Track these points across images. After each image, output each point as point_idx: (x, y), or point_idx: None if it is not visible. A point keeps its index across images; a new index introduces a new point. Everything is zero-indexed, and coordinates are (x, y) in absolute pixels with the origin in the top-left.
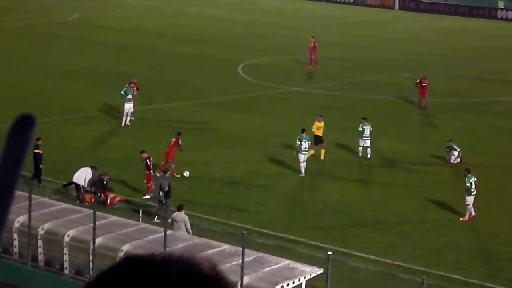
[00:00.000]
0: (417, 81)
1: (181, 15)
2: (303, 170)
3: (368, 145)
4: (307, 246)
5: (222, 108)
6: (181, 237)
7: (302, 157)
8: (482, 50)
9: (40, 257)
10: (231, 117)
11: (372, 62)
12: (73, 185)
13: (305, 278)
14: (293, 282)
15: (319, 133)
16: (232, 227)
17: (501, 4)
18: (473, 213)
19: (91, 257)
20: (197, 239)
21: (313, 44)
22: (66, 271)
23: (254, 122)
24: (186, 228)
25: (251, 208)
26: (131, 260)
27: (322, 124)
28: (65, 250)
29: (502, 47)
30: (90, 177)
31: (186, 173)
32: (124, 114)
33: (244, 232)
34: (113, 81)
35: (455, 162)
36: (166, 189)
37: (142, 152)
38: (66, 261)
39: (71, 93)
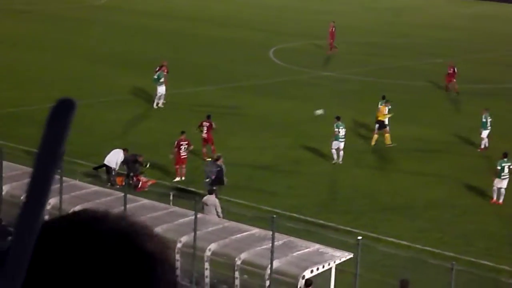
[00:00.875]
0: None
1: None
2: (335, 157)
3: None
4: (337, 231)
5: (252, 92)
6: (211, 220)
7: (337, 144)
8: None
9: None
10: (261, 101)
11: (402, 47)
12: (104, 168)
13: (335, 262)
14: (323, 267)
15: (383, 118)
16: (262, 211)
17: None
18: (494, 198)
19: None
20: (227, 223)
21: (332, 28)
22: None
23: (284, 106)
24: (217, 212)
25: (280, 193)
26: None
27: (385, 109)
28: None
29: None
30: (122, 159)
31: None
32: (157, 97)
33: (274, 216)
34: (143, 65)
35: (486, 146)
36: (213, 176)
37: (182, 132)
38: None
39: (101, 76)
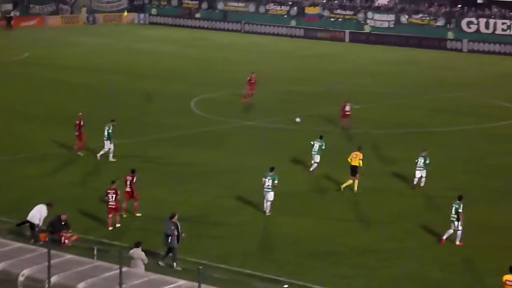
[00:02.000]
0: (341, 108)
1: (133, 51)
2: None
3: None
4: (263, 280)
5: (175, 143)
6: (137, 274)
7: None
8: (432, 80)
9: None
10: (184, 152)
11: (323, 94)
12: (28, 224)
13: None
14: None
15: (356, 163)
16: (188, 262)
17: (450, 35)
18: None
19: None
20: (153, 276)
21: (251, 79)
22: None
23: (207, 156)
24: (144, 265)
25: (207, 243)
26: None
27: (360, 155)
28: None
29: (452, 77)
30: (46, 214)
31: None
32: (105, 152)
33: (200, 267)
34: (62, 118)
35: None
36: (175, 233)
37: (113, 182)
38: None
39: (20, 132)
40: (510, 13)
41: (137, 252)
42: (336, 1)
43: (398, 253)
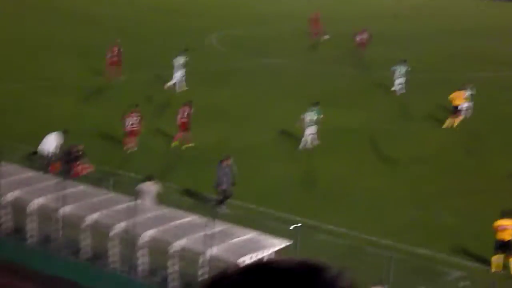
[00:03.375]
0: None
1: None
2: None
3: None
4: (276, 219)
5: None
6: (148, 207)
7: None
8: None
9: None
10: (217, 91)
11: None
12: (42, 153)
13: (273, 249)
14: (262, 253)
15: (458, 103)
16: (201, 198)
17: None
18: None
19: (60, 225)
20: (166, 209)
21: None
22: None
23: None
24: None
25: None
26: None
27: (463, 93)
28: (33, 218)
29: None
30: (62, 141)
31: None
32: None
33: (213, 202)
34: (83, 52)
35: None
36: (227, 180)
37: (136, 105)
38: (32, 229)
39: (43, 61)
40: None
41: (148, 186)
42: None
43: (411, 199)
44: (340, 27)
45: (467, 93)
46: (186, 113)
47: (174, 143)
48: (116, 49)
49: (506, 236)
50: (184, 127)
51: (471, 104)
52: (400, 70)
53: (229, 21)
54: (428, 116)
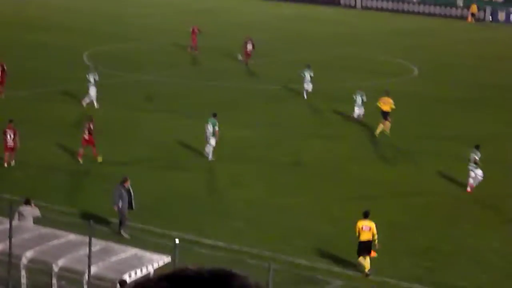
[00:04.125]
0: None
1: (25, 2)
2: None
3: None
4: (156, 235)
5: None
6: (27, 227)
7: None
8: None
9: None
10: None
11: (217, 48)
12: None
13: (153, 266)
14: (141, 271)
15: (386, 108)
16: (78, 216)
17: None
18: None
19: None
20: (43, 229)
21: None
22: None
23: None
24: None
25: (97, 196)
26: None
27: (389, 99)
28: None
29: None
30: None
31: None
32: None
33: (91, 220)
34: None
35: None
36: (124, 201)
37: (10, 121)
38: None
39: None
40: None
41: (28, 209)
42: None
43: (291, 207)
44: (216, 40)
45: (358, 99)
46: (89, 129)
47: (99, 158)
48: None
49: (366, 236)
50: (92, 142)
51: (362, 109)
52: (306, 75)
53: (101, 37)
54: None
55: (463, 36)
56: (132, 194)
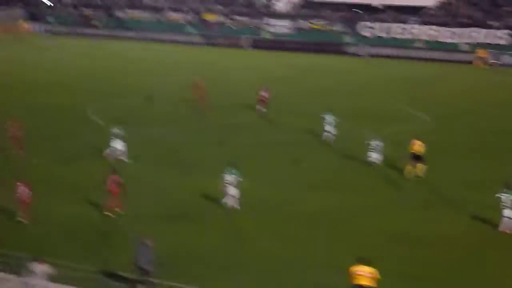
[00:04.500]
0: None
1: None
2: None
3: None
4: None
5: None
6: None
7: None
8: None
9: None
10: None
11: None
12: None
13: None
14: None
15: (420, 151)
16: (95, 272)
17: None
18: None
19: None
20: (53, 286)
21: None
22: None
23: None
24: None
25: (118, 253)
26: None
27: (419, 142)
28: None
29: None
30: None
31: None
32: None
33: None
34: None
35: None
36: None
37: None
38: None
39: None
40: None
41: (39, 267)
42: (235, 8)
43: None
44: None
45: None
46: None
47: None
48: None
49: (362, 281)
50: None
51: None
52: (328, 118)
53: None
54: None
55: (471, 80)
56: (152, 251)
